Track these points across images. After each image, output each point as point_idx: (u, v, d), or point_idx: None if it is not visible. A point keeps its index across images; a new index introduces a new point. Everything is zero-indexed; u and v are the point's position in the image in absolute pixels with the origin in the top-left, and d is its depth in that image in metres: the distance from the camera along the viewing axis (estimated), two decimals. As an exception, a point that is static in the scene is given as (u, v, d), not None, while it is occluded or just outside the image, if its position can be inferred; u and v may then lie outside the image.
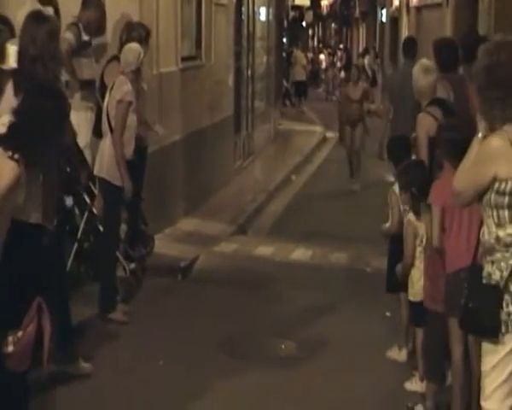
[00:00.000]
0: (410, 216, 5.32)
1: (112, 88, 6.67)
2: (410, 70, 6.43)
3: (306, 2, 38.55)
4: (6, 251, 3.81)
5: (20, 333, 3.82)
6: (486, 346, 3.56)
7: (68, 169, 6.06)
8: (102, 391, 5.29)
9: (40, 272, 4.02)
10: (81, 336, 5.83)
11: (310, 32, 52.68)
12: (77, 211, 6.81)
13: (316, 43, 52.23)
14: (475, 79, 3.58)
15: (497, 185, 3.46)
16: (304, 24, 46.49)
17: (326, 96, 29.93)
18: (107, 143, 6.58)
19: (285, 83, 25.96)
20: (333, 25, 48.18)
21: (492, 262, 3.51)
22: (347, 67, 25.98)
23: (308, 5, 40.77)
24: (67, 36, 7.00)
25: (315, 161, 16.17)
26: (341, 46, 40.49)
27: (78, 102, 7.15)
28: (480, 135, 3.58)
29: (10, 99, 4.79)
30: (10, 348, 3.81)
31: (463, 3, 14.65)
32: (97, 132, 7.00)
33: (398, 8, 26.38)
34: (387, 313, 6.68)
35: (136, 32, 7.43)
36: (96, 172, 6.67)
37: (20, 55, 4.99)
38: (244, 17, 14.17)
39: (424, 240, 5.16)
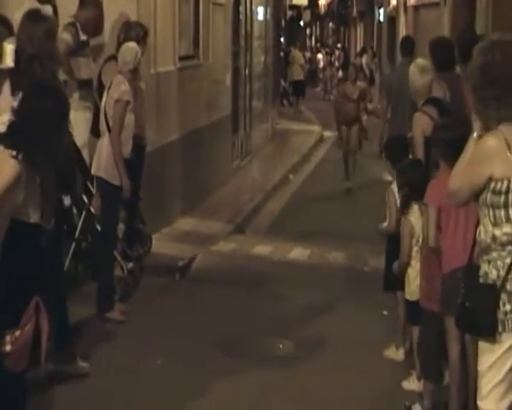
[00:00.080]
0: (408, 215, 5.33)
1: (109, 87, 6.67)
2: (407, 69, 6.44)
3: (304, 1, 38.53)
4: (4, 251, 3.81)
5: (17, 332, 3.82)
6: (483, 345, 3.56)
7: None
8: (100, 390, 5.29)
9: (38, 271, 4.02)
10: (79, 336, 5.84)
11: (307, 31, 52.68)
12: (75, 210, 6.81)
13: (313, 42, 52.22)
14: (470, 78, 3.57)
15: (492, 185, 3.46)
16: (301, 23, 46.50)
17: (324, 96, 29.94)
18: (104, 143, 6.58)
19: (283, 82, 25.96)
20: (330, 24, 48.20)
21: (489, 261, 3.51)
22: (345, 66, 25.99)
23: (306, 4, 40.78)
24: (65, 36, 7.00)
25: (313, 161, 16.17)
26: (339, 45, 40.48)
27: (76, 101, 7.15)
28: (475, 135, 3.58)
29: (8, 98, 4.78)
30: (8, 348, 3.80)
31: (461, 3, 14.65)
32: (95, 132, 7.01)
33: (396, 8, 26.39)
34: (385, 312, 6.69)
35: (133, 31, 7.43)
36: (93, 171, 6.67)
37: (18, 54, 4.99)
38: (242, 16, 14.17)
39: (420, 239, 5.17)
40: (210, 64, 11.21)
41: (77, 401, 5.10)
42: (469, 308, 3.52)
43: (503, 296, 3.45)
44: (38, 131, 3.86)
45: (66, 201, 6.54)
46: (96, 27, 7.46)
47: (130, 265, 7.32)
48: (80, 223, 6.86)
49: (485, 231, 3.52)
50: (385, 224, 5.88)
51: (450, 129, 4.72)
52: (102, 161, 6.55)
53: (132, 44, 6.90)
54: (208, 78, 11.14)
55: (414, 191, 5.19)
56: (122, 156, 6.50)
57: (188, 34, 10.52)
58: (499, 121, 3.47)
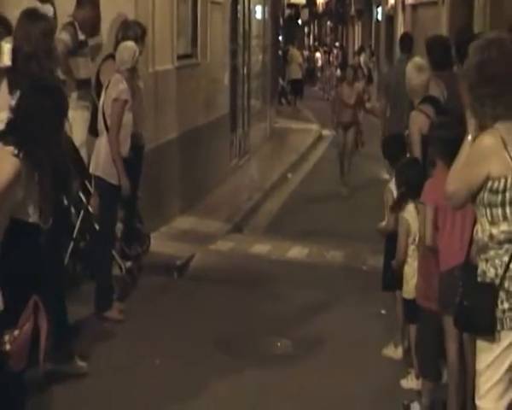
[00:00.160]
0: (405, 213, 5.33)
1: (107, 86, 6.67)
2: (405, 66, 6.43)
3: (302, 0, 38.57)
4: (3, 250, 3.81)
5: (16, 332, 3.82)
6: (481, 344, 3.55)
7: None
8: (99, 390, 5.29)
9: (37, 271, 4.02)
10: (77, 335, 5.83)
11: (305, 30, 52.66)
12: (73, 210, 6.81)
13: (311, 41, 52.21)
14: (466, 76, 3.55)
15: (490, 184, 3.45)
16: (299, 22, 46.49)
17: (323, 95, 29.92)
18: (102, 142, 6.58)
19: (281, 81, 25.97)
20: (328, 23, 48.17)
21: (486, 260, 3.51)
22: (343, 65, 26.00)
23: (304, 3, 40.77)
24: (63, 36, 6.99)
25: (311, 160, 16.18)
26: (337, 44, 40.48)
27: (74, 101, 7.14)
28: (469, 137, 3.57)
29: (5, 97, 4.79)
30: (7, 347, 3.81)
31: (459, 1, 14.66)
32: (93, 131, 7.00)
33: (394, 6, 26.38)
34: (383, 311, 6.69)
35: (132, 30, 7.43)
36: (91, 170, 6.67)
37: (15, 52, 4.99)
38: (240, 15, 14.17)
39: (417, 238, 5.18)
40: (208, 63, 11.21)
41: (75, 401, 5.10)
42: (467, 307, 3.52)
43: (502, 295, 3.45)
44: (37, 129, 3.86)
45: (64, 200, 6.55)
46: (93, 27, 7.45)
47: (129, 264, 7.32)
48: (78, 222, 6.86)
49: (483, 230, 3.52)
50: (383, 223, 5.88)
51: (447, 128, 4.71)
52: (100, 160, 6.55)
53: (130, 43, 6.90)
54: (206, 77, 11.14)
55: (411, 190, 5.20)
56: (120, 155, 6.50)
57: (186, 33, 10.52)
58: (495, 119, 3.46)
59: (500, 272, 3.46)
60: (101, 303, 6.51)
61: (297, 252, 9.21)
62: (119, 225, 7.17)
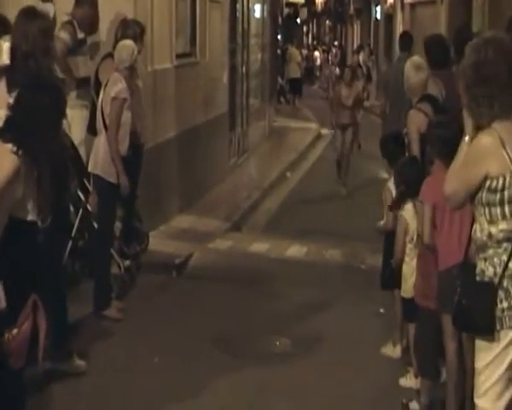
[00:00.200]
0: (403, 212, 5.34)
1: (106, 85, 6.67)
2: (404, 64, 6.44)
3: (301, -1, 38.59)
4: (2, 248, 3.81)
5: (15, 331, 3.82)
6: (480, 343, 3.55)
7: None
8: (97, 388, 5.29)
9: (36, 269, 4.02)
10: (76, 334, 5.84)
11: (304, 29, 52.66)
12: (71, 208, 6.80)
13: (310, 40, 52.22)
14: (463, 75, 3.53)
15: (488, 183, 3.45)
16: (298, 21, 46.49)
17: (324, 94, 29.91)
18: (101, 141, 6.58)
19: (280, 80, 25.97)
20: (327, 22, 48.18)
21: (485, 259, 3.50)
22: (342, 64, 25.99)
23: (302, 2, 40.77)
24: (62, 35, 6.99)
25: (310, 158, 16.18)
26: (336, 43, 40.49)
27: (73, 100, 7.15)
28: (467, 137, 3.56)
29: (4, 96, 4.78)
30: (6, 346, 3.80)
31: (458, 0, 14.68)
32: (92, 130, 7.00)
33: (393, 5, 26.39)
34: (381, 310, 6.70)
35: (131, 29, 7.43)
36: (90, 169, 6.67)
37: (13, 51, 4.98)
38: (239, 14, 14.17)
39: (415, 237, 5.19)
40: (207, 62, 11.21)
41: (74, 399, 5.10)
42: (466, 307, 3.51)
43: (500, 293, 3.45)
44: (35, 126, 3.86)
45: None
46: (91, 25, 7.46)
47: (127, 262, 7.32)
48: (77, 221, 6.86)
49: (481, 229, 3.51)
50: (382, 222, 5.88)
51: (445, 126, 4.72)
52: (99, 158, 6.55)
53: (129, 42, 6.90)
54: (205, 75, 11.14)
55: (410, 188, 5.20)
56: (119, 154, 6.50)
57: (185, 32, 10.52)
58: (492, 119, 3.45)
59: (499, 270, 3.46)
60: (100, 302, 6.51)
61: (296, 251, 9.22)
62: (118, 224, 7.17)
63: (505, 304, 3.45)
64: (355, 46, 33.58)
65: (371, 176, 12.15)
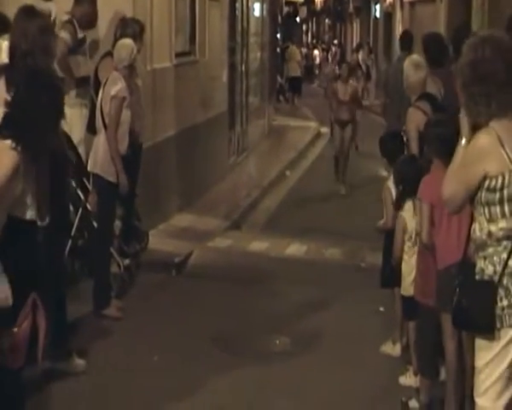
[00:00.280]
0: (402, 211, 5.34)
1: (105, 84, 6.66)
2: (403, 64, 6.44)
3: (300, -3, 38.60)
4: (1, 248, 3.81)
5: (15, 330, 3.82)
6: (480, 342, 3.54)
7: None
8: (97, 387, 5.29)
9: (35, 268, 4.01)
10: (75, 333, 5.83)
11: (304, 27, 52.66)
12: (71, 208, 6.80)
13: (310, 38, 52.21)
14: (460, 74, 3.52)
15: (487, 183, 3.44)
16: (298, 19, 46.50)
17: (324, 93, 29.88)
18: (101, 139, 6.58)
19: (279, 78, 25.97)
20: (327, 20, 48.19)
21: (485, 257, 3.50)
22: (341, 63, 25.93)
23: (302, 1, 40.79)
24: (63, 35, 6.99)
25: (309, 157, 16.17)
26: (335, 42, 40.49)
27: (73, 99, 7.16)
28: (463, 140, 3.55)
29: (3, 95, 4.78)
30: (5, 345, 3.80)
31: (457, -1, 14.68)
32: (91, 128, 7.00)
33: (392, 4, 26.40)
34: (381, 308, 6.70)
35: (130, 28, 7.42)
36: (89, 168, 6.66)
37: (12, 49, 4.98)
38: (238, 13, 14.16)
39: (413, 235, 5.19)
40: (206, 60, 11.20)
41: (73, 399, 5.10)
42: (466, 306, 3.50)
43: (501, 292, 3.44)
44: (33, 122, 3.85)
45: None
46: (90, 23, 7.46)
47: (127, 261, 7.32)
48: (77, 220, 6.86)
49: (481, 228, 3.51)
50: (382, 221, 5.88)
51: (443, 125, 4.72)
52: (99, 157, 6.55)
53: (128, 41, 6.89)
54: (204, 74, 11.14)
55: (408, 186, 5.20)
56: (118, 153, 6.49)
57: (184, 30, 10.51)
58: (490, 118, 3.44)
59: (499, 269, 3.46)
60: (100, 301, 6.50)
61: (295, 249, 9.22)
62: (118, 223, 7.17)
63: (505, 302, 3.44)
64: (354, 45, 33.58)
65: (371, 174, 12.14)
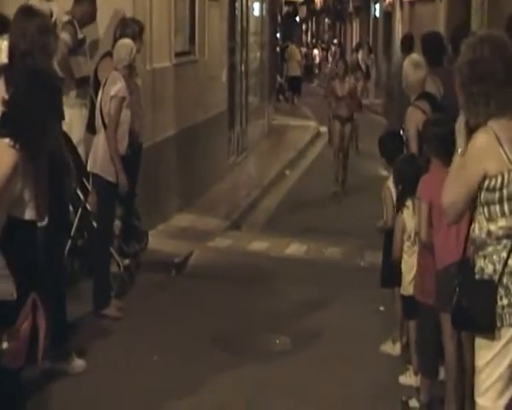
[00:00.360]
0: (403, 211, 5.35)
1: (105, 84, 6.66)
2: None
3: (300, -3, 38.60)
4: (1, 247, 3.81)
5: (14, 330, 3.81)
6: (480, 341, 3.54)
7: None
8: (97, 387, 5.29)
9: (34, 268, 4.01)
10: (75, 333, 5.83)
11: (303, 27, 52.68)
12: (71, 208, 6.80)
13: (309, 38, 52.23)
14: (459, 73, 3.51)
15: (487, 183, 3.43)
16: (297, 19, 46.50)
17: (325, 92, 29.85)
18: (100, 139, 6.58)
19: (279, 78, 25.97)
20: (326, 20, 48.20)
21: (484, 256, 3.49)
22: (338, 61, 25.91)
23: (301, 0, 40.79)
24: (64, 36, 6.99)
25: (309, 156, 16.17)
26: (335, 41, 40.50)
27: (73, 99, 7.17)
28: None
29: (2, 95, 4.77)
30: (5, 345, 3.80)
31: (457, -2, 14.68)
32: (91, 128, 7.00)
33: (392, 3, 26.40)
34: (381, 308, 6.70)
35: (129, 28, 7.42)
36: (89, 168, 6.66)
37: (11, 49, 4.98)
38: (238, 12, 14.16)
39: (412, 235, 5.19)
40: (206, 60, 11.20)
41: (73, 398, 5.10)
42: (466, 306, 3.49)
43: (500, 291, 3.43)
44: (30, 121, 3.85)
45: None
46: (90, 22, 7.46)
47: (127, 261, 7.32)
48: (76, 220, 6.86)
49: (480, 228, 3.50)
50: (382, 221, 5.88)
51: (441, 124, 4.71)
52: (98, 157, 6.55)
53: (127, 41, 6.89)
54: (204, 74, 11.14)
55: (408, 186, 5.20)
56: (118, 153, 6.49)
57: (183, 30, 10.51)
58: (488, 117, 3.43)
59: (498, 268, 3.45)
60: (99, 301, 6.50)
61: (295, 249, 9.21)
62: (117, 223, 7.17)
63: (505, 301, 3.44)
64: (354, 44, 33.60)
65: (371, 174, 12.14)
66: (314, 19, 51.63)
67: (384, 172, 6.43)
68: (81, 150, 7.08)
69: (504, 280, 3.45)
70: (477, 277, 3.51)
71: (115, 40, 7.22)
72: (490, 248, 3.48)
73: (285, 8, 36.56)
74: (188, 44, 10.67)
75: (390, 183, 5.70)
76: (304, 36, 52.11)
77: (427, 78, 6.12)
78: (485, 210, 3.47)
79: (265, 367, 5.74)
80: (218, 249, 8.97)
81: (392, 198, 5.65)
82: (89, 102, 7.38)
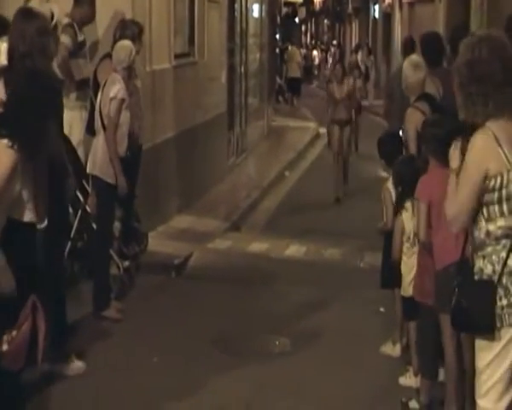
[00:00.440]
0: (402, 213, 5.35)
1: (104, 86, 6.66)
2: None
3: (299, -2, 38.62)
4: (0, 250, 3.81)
5: (14, 332, 3.81)
6: (481, 342, 3.54)
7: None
8: (96, 389, 5.28)
9: (34, 271, 4.01)
10: (75, 335, 5.83)
11: (302, 28, 52.69)
12: (70, 209, 6.80)
13: (308, 39, 52.24)
14: (457, 74, 3.51)
15: (486, 183, 3.43)
16: (297, 20, 46.52)
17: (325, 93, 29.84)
18: (100, 141, 6.58)
19: (278, 79, 25.98)
20: (325, 21, 48.20)
21: (483, 257, 3.49)
22: (335, 64, 25.91)
23: (301, 1, 40.81)
24: (64, 40, 6.99)
25: (308, 158, 16.18)
26: (334, 42, 40.50)
27: (73, 101, 7.18)
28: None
29: (2, 97, 4.78)
30: (4, 347, 3.80)
31: (456, -1, 14.68)
32: (91, 130, 7.01)
33: (391, 4, 26.42)
34: (381, 309, 6.70)
35: (129, 29, 7.42)
36: (89, 169, 6.66)
37: (10, 51, 4.98)
38: (237, 14, 14.17)
39: (412, 236, 5.19)
40: (205, 61, 11.20)
41: (73, 400, 5.09)
42: (466, 307, 3.48)
43: (500, 291, 3.43)
44: (29, 121, 3.85)
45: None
46: (89, 22, 7.47)
47: (127, 263, 7.32)
48: (76, 222, 6.86)
49: (479, 228, 3.50)
50: (382, 223, 5.88)
51: (440, 125, 4.72)
52: (98, 159, 6.55)
53: (126, 42, 6.89)
54: (204, 75, 11.14)
55: (407, 187, 5.20)
56: (117, 154, 6.49)
57: (183, 32, 10.52)
58: (487, 118, 3.43)
59: (498, 268, 3.45)
60: (99, 302, 6.50)
61: (295, 250, 9.22)
62: (117, 225, 7.17)
63: (505, 301, 3.44)
64: (353, 45, 33.61)
65: (370, 175, 12.14)
66: (313, 20, 51.63)
67: (383, 174, 6.43)
68: (81, 152, 7.08)
69: (504, 280, 3.45)
70: (476, 277, 3.51)
71: (115, 42, 7.21)
72: (489, 249, 3.48)
73: (284, 10, 36.56)
74: (187, 46, 10.68)
75: (389, 184, 5.70)
76: (303, 37, 52.12)
77: (426, 79, 6.12)
78: (484, 210, 3.47)
79: (265, 368, 5.74)
80: (218, 251, 8.97)
81: (392, 199, 5.65)
82: (88, 104, 7.38)
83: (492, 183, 3.43)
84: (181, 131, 9.84)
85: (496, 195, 3.44)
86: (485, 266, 3.49)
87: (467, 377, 4.51)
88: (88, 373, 5.45)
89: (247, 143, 14.75)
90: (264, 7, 17.95)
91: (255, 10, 16.85)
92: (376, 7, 30.65)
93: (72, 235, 6.79)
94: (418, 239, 4.89)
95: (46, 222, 4.09)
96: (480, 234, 3.50)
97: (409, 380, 5.38)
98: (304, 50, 39.15)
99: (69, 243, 6.71)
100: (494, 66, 3.42)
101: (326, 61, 36.19)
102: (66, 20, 7.18)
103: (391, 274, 5.58)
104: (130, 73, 6.85)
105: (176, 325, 6.46)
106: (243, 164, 14.13)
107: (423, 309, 4.90)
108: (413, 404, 5.05)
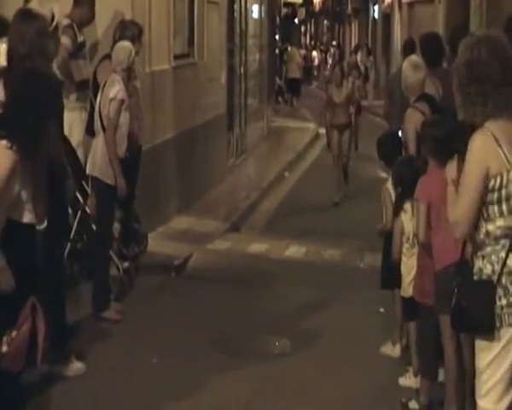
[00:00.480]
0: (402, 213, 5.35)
1: (104, 86, 6.66)
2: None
3: (299, -1, 38.62)
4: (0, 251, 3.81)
5: (14, 333, 3.81)
6: (481, 343, 3.53)
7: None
8: (96, 390, 5.28)
9: (34, 272, 4.01)
10: (74, 336, 5.83)
11: (302, 28, 52.70)
12: (70, 210, 6.80)
13: (308, 40, 52.24)
14: (456, 74, 3.51)
15: (486, 184, 3.43)
16: (296, 21, 46.52)
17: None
18: (99, 142, 6.58)
19: (278, 80, 25.97)
20: (325, 21, 48.22)
21: (483, 257, 3.50)
22: (334, 66, 25.94)
23: (300, 2, 40.80)
24: (64, 41, 6.99)
25: (308, 158, 16.17)
26: (334, 43, 40.51)
27: (72, 103, 7.17)
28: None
29: (1, 98, 4.78)
30: (4, 348, 3.80)
31: (455, 0, 14.69)
32: (90, 131, 7.01)
33: (391, 5, 26.44)
34: (381, 309, 6.70)
35: (128, 30, 7.42)
36: (88, 170, 6.66)
37: (10, 53, 4.98)
38: (236, 14, 14.17)
39: (411, 237, 5.19)
40: (205, 62, 11.21)
41: (73, 401, 5.09)
42: (465, 307, 3.48)
43: (499, 291, 3.44)
44: (28, 121, 3.85)
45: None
46: (88, 23, 7.47)
47: (126, 264, 7.31)
48: (75, 223, 6.85)
49: (478, 228, 3.50)
50: (382, 224, 5.88)
51: (439, 126, 4.72)
52: (97, 160, 6.55)
53: (126, 43, 6.89)
54: (203, 76, 11.14)
55: (407, 187, 5.20)
56: (117, 155, 6.49)
57: (182, 32, 10.52)
58: (486, 118, 3.44)
59: (497, 268, 3.45)
60: (99, 304, 6.50)
61: (295, 251, 9.22)
62: (117, 226, 7.17)
63: (504, 301, 3.44)
64: (353, 46, 33.62)
65: (370, 176, 12.13)
66: (313, 21, 51.64)
67: (383, 174, 6.43)
68: (80, 153, 7.08)
69: (503, 280, 3.45)
70: (476, 277, 3.51)
71: (114, 42, 7.21)
72: (488, 249, 3.48)
73: (284, 10, 36.55)
74: (187, 47, 10.68)
75: (389, 185, 5.70)
76: (303, 38, 52.12)
77: (426, 79, 6.12)
78: (484, 210, 3.47)
79: (265, 369, 5.74)
80: (218, 251, 8.97)
81: (392, 200, 5.65)
82: (88, 105, 7.38)
83: (492, 183, 3.43)
84: (180, 132, 9.84)
85: (495, 195, 3.44)
86: (484, 266, 3.49)
87: (467, 377, 4.51)
88: (87, 374, 5.45)
89: (246, 144, 14.75)
90: (263, 7, 17.95)
91: (255, 11, 16.85)
92: (376, 7, 30.67)
93: (71, 236, 6.79)
94: (418, 240, 4.89)
95: (46, 223, 4.09)
96: (479, 234, 3.50)
97: (409, 380, 5.38)
98: (303, 51, 39.13)
99: (69, 244, 6.71)
100: (493, 66, 3.43)
101: (326, 61, 36.20)
102: (65, 21, 7.18)
103: (391, 275, 5.58)
104: (129, 74, 6.85)
105: (175, 326, 6.46)
106: (243, 165, 14.13)
107: (423, 310, 4.91)
108: (413, 404, 5.05)
